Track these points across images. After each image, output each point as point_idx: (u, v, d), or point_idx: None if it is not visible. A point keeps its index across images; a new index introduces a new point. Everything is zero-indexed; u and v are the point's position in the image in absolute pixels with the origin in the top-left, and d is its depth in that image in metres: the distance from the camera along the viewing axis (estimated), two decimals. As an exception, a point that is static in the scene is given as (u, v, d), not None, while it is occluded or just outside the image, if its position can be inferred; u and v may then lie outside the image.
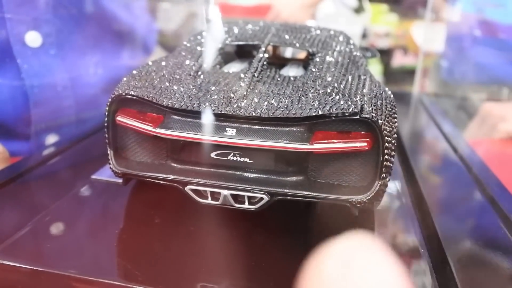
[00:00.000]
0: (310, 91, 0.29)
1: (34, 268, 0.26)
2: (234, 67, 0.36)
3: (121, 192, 0.35)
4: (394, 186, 0.40)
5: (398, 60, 1.33)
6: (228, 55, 0.39)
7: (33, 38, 0.50)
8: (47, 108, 0.53)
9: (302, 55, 0.44)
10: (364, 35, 1.14)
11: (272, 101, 0.28)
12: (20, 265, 0.26)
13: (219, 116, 0.28)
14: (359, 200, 0.29)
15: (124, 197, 0.35)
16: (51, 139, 0.54)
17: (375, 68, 1.16)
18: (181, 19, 0.83)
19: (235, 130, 0.28)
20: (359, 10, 1.16)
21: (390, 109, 0.29)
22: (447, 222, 0.35)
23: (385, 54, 1.26)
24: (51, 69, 0.52)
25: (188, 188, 0.29)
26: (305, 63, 0.39)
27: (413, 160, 0.46)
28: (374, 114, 0.27)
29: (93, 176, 0.38)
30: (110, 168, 0.32)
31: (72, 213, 0.33)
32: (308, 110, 0.27)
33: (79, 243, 0.30)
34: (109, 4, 0.59)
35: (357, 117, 0.27)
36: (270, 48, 0.39)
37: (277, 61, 0.39)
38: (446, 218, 0.35)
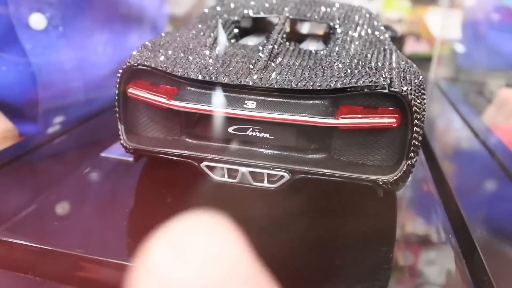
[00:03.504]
0: (335, 63, 0.28)
1: (42, 246, 0.25)
2: (251, 41, 0.34)
3: (131, 170, 0.34)
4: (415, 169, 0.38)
5: (410, 47, 1.30)
6: (244, 29, 0.37)
7: (37, 21, 0.48)
8: (54, 90, 0.52)
9: (320, 30, 0.42)
10: (377, 21, 1.12)
11: (295, 73, 0.27)
12: (27, 243, 0.25)
13: (238, 88, 0.27)
14: (385, 180, 0.27)
15: (135, 175, 0.34)
16: (59, 120, 0.53)
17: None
18: (193, 1, 0.81)
19: (255, 103, 0.26)
20: (371, -5, 1.14)
21: (419, 84, 0.28)
22: (473, 207, 0.33)
23: (397, 41, 1.23)
24: (57, 51, 0.51)
25: (203, 164, 0.28)
26: (325, 38, 0.37)
27: (434, 143, 0.44)
28: (404, 89, 0.25)
29: (103, 154, 0.36)
30: (121, 143, 0.31)
31: (81, 191, 0.32)
32: (334, 82, 0.26)
33: (88, 222, 0.28)
34: None
35: (386, 91, 0.25)
36: (287, 23, 0.38)
37: (295, 37, 0.38)
38: (471, 203, 0.34)
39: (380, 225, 0.30)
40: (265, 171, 0.27)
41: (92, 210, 0.30)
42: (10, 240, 0.25)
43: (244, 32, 0.37)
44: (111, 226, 0.28)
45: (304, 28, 0.43)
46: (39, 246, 0.25)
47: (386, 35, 0.34)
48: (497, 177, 0.39)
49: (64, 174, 0.33)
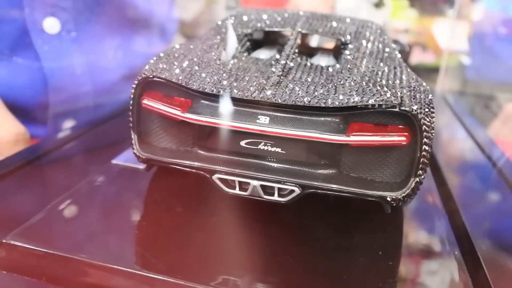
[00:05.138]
0: (346, 80, 0.28)
1: (52, 252, 0.25)
2: (263, 54, 0.34)
3: (142, 178, 0.34)
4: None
5: (417, 57, 1.31)
6: (256, 42, 0.37)
7: (51, 25, 0.49)
8: (65, 94, 0.52)
9: (330, 44, 0.42)
10: (384, 31, 1.12)
11: (308, 90, 0.27)
12: (38, 249, 0.26)
13: (252, 103, 0.27)
14: (393, 197, 0.27)
15: (145, 183, 0.34)
16: (68, 124, 0.53)
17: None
18: (201, 7, 0.82)
19: (268, 118, 0.27)
20: (379, 4, 1.14)
21: (428, 103, 0.28)
22: (478, 221, 0.33)
23: (405, 54, 1.23)
24: (70, 55, 0.51)
25: (215, 176, 0.28)
26: (335, 53, 0.38)
27: (440, 157, 0.44)
28: (414, 107, 0.26)
29: (114, 161, 0.37)
30: (134, 153, 0.31)
31: (91, 197, 0.32)
32: (346, 100, 0.26)
33: (99, 228, 0.29)
34: None
35: (397, 109, 0.26)
36: (299, 37, 0.38)
37: (305, 51, 0.38)
38: (476, 218, 0.34)
39: (385, 238, 0.30)
40: (276, 185, 0.28)
41: (104, 216, 0.30)
42: (20, 244, 0.26)
43: (255, 44, 0.37)
44: (122, 234, 0.29)
45: (314, 41, 0.44)
46: (50, 251, 0.25)
47: (396, 52, 0.35)
48: (501, 191, 0.39)
49: (76, 180, 0.34)
